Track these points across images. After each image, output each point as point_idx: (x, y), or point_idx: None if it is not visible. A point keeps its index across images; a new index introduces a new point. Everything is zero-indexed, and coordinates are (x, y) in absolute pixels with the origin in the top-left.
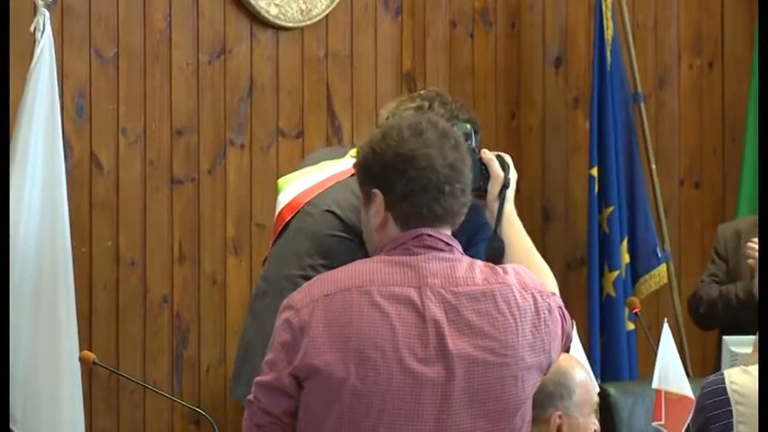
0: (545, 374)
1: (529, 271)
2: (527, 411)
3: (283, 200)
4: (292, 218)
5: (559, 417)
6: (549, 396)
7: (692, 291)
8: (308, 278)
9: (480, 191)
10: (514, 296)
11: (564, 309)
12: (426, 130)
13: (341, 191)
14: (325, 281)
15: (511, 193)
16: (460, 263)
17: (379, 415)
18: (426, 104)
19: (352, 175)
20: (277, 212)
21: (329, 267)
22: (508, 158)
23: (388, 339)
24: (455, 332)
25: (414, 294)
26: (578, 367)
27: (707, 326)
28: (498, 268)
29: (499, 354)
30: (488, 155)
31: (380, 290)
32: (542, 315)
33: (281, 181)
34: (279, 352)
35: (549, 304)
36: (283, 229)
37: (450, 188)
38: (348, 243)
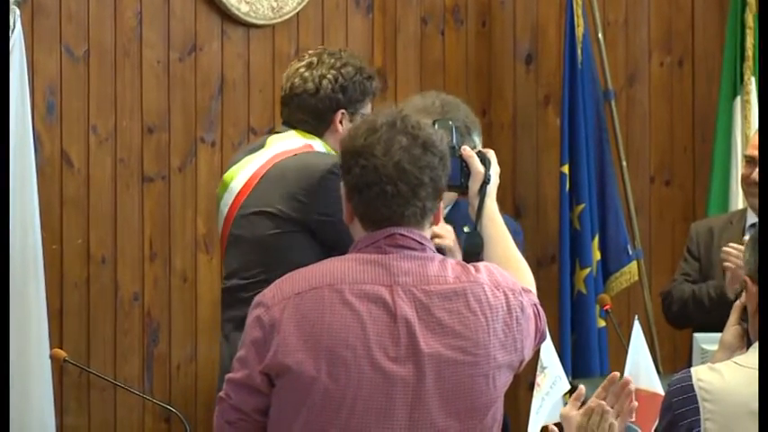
0: (517, 373)
1: (501, 269)
2: (498, 410)
3: (235, 188)
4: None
5: None
6: None
7: (665, 289)
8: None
9: (462, 188)
10: (486, 295)
11: (539, 306)
12: (380, 128)
13: (270, 183)
14: (297, 278)
15: (492, 188)
16: (432, 261)
17: (351, 414)
18: (315, 60)
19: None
20: (230, 202)
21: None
22: (491, 154)
23: (360, 338)
24: (426, 331)
25: (385, 293)
26: None
27: (679, 325)
28: (470, 267)
29: (470, 353)
30: (468, 151)
31: (351, 288)
32: (514, 314)
33: (226, 175)
34: (250, 349)
35: (522, 302)
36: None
37: (394, 188)
38: (286, 236)
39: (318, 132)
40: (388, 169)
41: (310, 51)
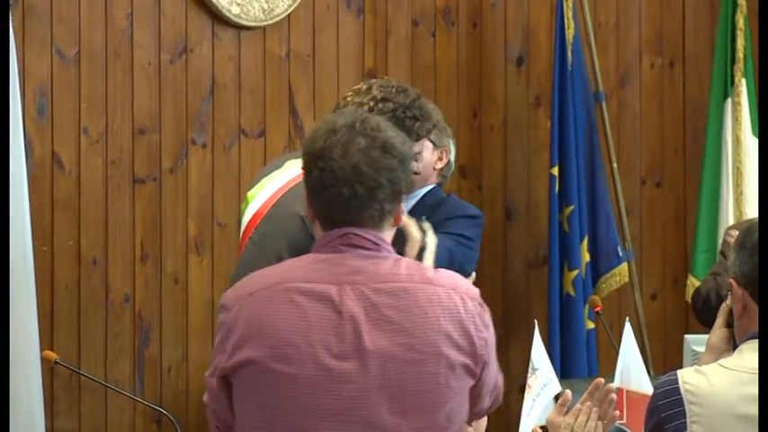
0: (479, 378)
1: (466, 279)
2: (456, 412)
3: (251, 210)
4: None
5: None
6: None
7: (695, 289)
8: None
9: (398, 254)
10: (439, 295)
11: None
12: (340, 130)
13: (273, 225)
14: (252, 279)
15: (429, 255)
16: (385, 260)
17: (296, 412)
18: (365, 87)
19: None
20: (246, 222)
21: None
22: (427, 226)
23: (304, 336)
24: (373, 328)
25: (333, 291)
26: None
27: (705, 321)
28: (429, 268)
29: (417, 350)
30: (407, 219)
31: (300, 287)
32: (473, 318)
33: (249, 193)
34: (216, 354)
35: (482, 313)
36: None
37: (351, 191)
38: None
39: None
40: (345, 172)
41: (374, 80)
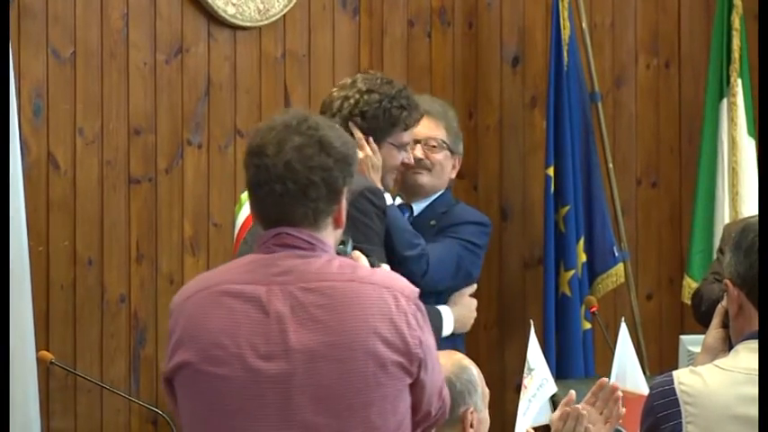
0: (417, 378)
1: (404, 278)
2: (391, 412)
3: (245, 212)
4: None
5: (471, 412)
6: (459, 394)
7: (695, 289)
8: None
9: None
10: (369, 293)
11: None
12: (276, 127)
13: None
14: (193, 282)
15: None
16: (318, 259)
17: (225, 414)
18: (350, 81)
19: None
20: (240, 224)
21: None
22: (385, 267)
23: (232, 337)
24: (299, 327)
25: (261, 292)
26: (471, 362)
27: (708, 323)
28: (364, 267)
29: (346, 348)
30: (357, 254)
31: (230, 289)
32: (405, 316)
33: (243, 195)
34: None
35: (416, 312)
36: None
37: (283, 188)
38: None
39: None
40: (277, 168)
41: (359, 74)
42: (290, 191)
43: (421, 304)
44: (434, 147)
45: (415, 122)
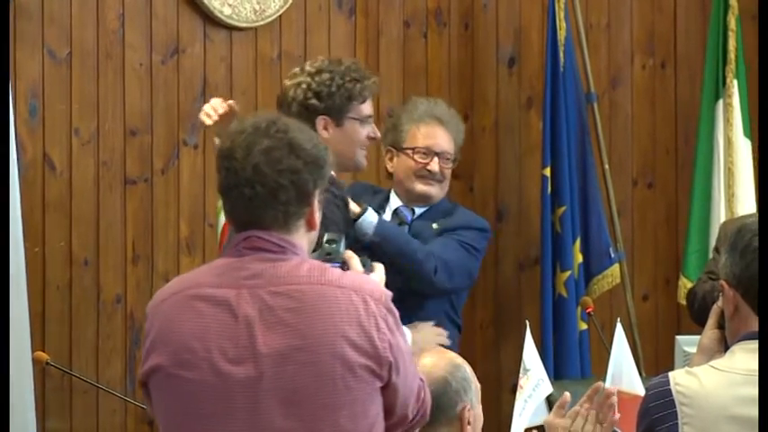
0: (388, 382)
1: (375, 281)
2: (362, 415)
3: (222, 219)
4: None
5: (468, 410)
6: (456, 392)
7: (689, 288)
8: None
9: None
10: (337, 297)
11: (424, 386)
12: (246, 130)
13: None
14: (168, 286)
15: None
16: (287, 262)
17: (195, 418)
18: (298, 70)
19: None
20: (223, 223)
21: None
22: (378, 266)
23: (201, 341)
24: (267, 331)
25: (231, 295)
26: (462, 359)
27: (702, 322)
28: (333, 270)
29: (313, 352)
30: (349, 254)
31: (201, 293)
32: (374, 320)
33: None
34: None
35: (386, 315)
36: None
37: (252, 191)
38: None
39: None
40: (246, 172)
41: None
42: (259, 194)
43: (393, 307)
44: (448, 160)
45: (371, 92)
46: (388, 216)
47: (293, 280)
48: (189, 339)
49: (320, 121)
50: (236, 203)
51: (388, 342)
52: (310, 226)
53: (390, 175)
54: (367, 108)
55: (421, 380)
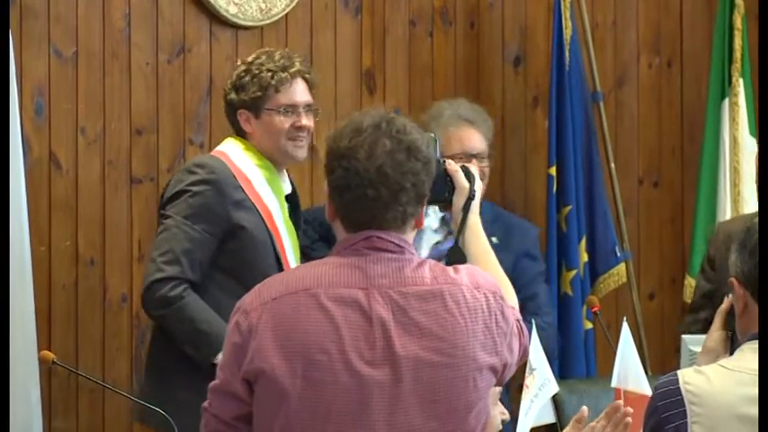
0: (502, 377)
1: (483, 272)
2: (482, 412)
3: None
4: None
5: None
6: None
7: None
8: None
9: (446, 202)
10: (464, 296)
11: (522, 323)
12: (366, 129)
13: None
14: (275, 283)
15: (476, 204)
16: (410, 263)
17: (326, 419)
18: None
19: None
20: None
21: None
22: (474, 169)
23: (335, 342)
24: (402, 333)
25: (360, 296)
26: None
27: (694, 319)
28: (449, 268)
29: (448, 354)
30: (453, 166)
31: (327, 292)
32: (495, 316)
33: None
34: (229, 355)
35: (503, 306)
36: None
37: (375, 192)
38: None
39: (242, 135)
40: (370, 173)
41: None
42: (383, 196)
43: (503, 294)
44: (483, 159)
45: (288, 81)
46: (433, 223)
47: (419, 281)
48: (320, 340)
49: (241, 115)
50: (355, 203)
51: (504, 339)
52: (418, 224)
53: None
54: (284, 97)
55: (518, 320)
